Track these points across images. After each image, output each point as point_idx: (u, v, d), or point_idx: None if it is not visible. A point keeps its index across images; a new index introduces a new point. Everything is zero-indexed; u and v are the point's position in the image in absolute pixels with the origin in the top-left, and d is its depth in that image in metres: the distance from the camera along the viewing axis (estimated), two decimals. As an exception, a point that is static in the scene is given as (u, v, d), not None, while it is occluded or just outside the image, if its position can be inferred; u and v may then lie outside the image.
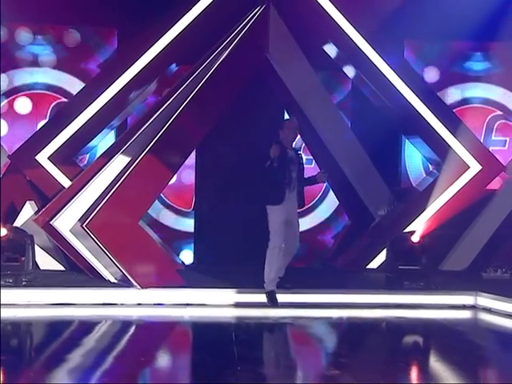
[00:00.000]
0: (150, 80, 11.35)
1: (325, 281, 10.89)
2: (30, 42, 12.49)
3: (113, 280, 10.36)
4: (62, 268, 11.34)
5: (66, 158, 11.25)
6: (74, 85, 12.46)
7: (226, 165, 12.22)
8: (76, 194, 10.43)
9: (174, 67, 11.63)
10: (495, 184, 12.04)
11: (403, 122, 11.98)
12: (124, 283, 10.04)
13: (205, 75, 10.48)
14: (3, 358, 6.89)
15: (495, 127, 13.28)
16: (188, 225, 12.98)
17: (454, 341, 8.16)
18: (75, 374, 6.65)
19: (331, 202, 13.10)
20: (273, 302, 9.36)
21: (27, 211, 11.20)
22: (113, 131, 12.16)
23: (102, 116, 11.21)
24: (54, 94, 12.57)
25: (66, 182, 11.10)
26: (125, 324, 8.93)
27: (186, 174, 12.82)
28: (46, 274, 10.87)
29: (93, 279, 10.48)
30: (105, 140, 11.88)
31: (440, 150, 11.61)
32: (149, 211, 11.85)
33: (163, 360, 7.48)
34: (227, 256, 11.97)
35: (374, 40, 11.41)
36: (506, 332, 8.99)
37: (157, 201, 12.25)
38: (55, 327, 8.79)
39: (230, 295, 9.77)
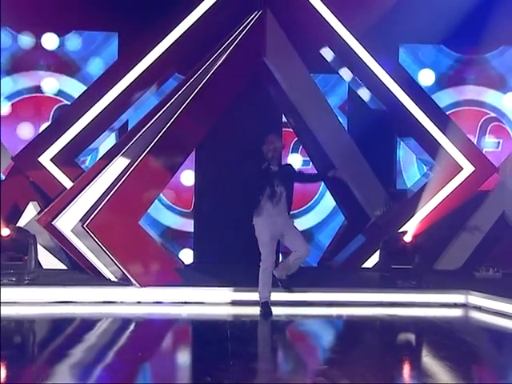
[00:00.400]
0: (149, 83, 11.46)
1: (320, 279, 10.90)
2: (34, 46, 12.65)
3: (113, 279, 10.39)
4: (64, 267, 11.40)
5: (67, 159, 11.35)
6: (76, 88, 12.61)
7: (225, 167, 12.21)
8: (77, 195, 10.48)
9: (173, 70, 11.76)
10: (488, 185, 12.08)
11: (398, 125, 12.11)
12: (124, 282, 10.08)
13: (203, 78, 10.58)
14: (8, 353, 7.02)
15: (489, 129, 13.45)
16: (188, 225, 13.08)
17: (443, 338, 8.24)
18: (77, 369, 6.71)
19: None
20: (265, 314, 9.10)
21: (30, 211, 11.28)
22: (113, 133, 12.29)
23: (102, 118, 11.32)
24: (56, 97, 12.72)
25: (67, 183, 11.19)
26: (125, 321, 9.01)
27: (186, 176, 12.95)
28: (48, 272, 10.94)
29: (94, 278, 10.53)
30: (106, 142, 11.97)
31: (434, 151, 11.70)
32: (149, 211, 11.88)
33: (160, 355, 7.58)
34: (226, 255, 12.04)
35: (370, 44, 11.55)
36: (495, 329, 9.07)
37: (157, 201, 12.32)
38: (57, 324, 8.86)
39: (226, 293, 9.83)
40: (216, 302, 9.82)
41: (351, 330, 9.12)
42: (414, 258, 10.41)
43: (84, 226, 9.79)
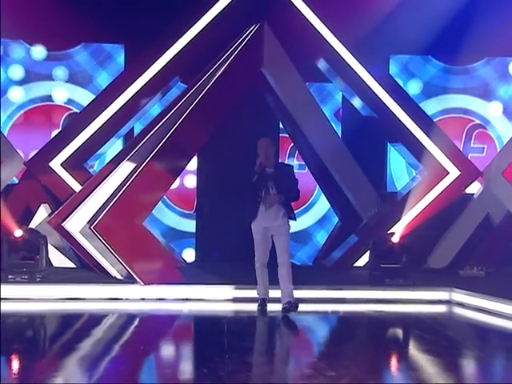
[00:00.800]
0: (154, 92, 11.70)
1: (314, 278, 11.02)
2: (45, 58, 12.92)
3: (119, 277, 10.62)
4: (73, 266, 11.66)
5: (77, 164, 11.58)
6: (85, 97, 12.85)
7: (226, 170, 12.42)
8: (86, 198, 10.66)
9: (176, 80, 12.01)
10: (473, 188, 12.31)
11: (388, 131, 12.32)
12: (129, 280, 10.31)
13: (205, 87, 10.82)
14: (21, 346, 7.39)
15: (474, 135, 13.69)
16: (190, 225, 13.34)
17: (428, 333, 8.45)
18: (85, 361, 6.98)
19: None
20: (262, 310, 9.30)
21: (41, 213, 11.51)
22: (120, 139, 12.54)
23: (110, 125, 11.53)
24: (66, 106, 12.98)
25: (76, 187, 11.37)
26: (130, 317, 9.26)
27: (189, 179, 13.24)
28: (58, 271, 11.22)
29: (101, 276, 10.75)
30: (113, 148, 12.22)
31: (421, 156, 11.89)
32: (153, 213, 12.13)
33: (162, 348, 7.86)
34: (227, 254, 12.34)
35: (361, 55, 11.78)
36: (477, 325, 9.34)
37: (161, 203, 12.54)
38: (67, 320, 9.14)
39: (226, 291, 10.07)
40: (216, 298, 10.03)
41: (341, 326, 9.44)
42: (401, 257, 10.64)
43: (91, 227, 10.02)
